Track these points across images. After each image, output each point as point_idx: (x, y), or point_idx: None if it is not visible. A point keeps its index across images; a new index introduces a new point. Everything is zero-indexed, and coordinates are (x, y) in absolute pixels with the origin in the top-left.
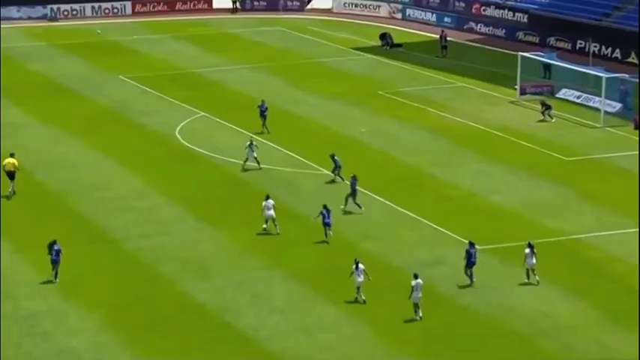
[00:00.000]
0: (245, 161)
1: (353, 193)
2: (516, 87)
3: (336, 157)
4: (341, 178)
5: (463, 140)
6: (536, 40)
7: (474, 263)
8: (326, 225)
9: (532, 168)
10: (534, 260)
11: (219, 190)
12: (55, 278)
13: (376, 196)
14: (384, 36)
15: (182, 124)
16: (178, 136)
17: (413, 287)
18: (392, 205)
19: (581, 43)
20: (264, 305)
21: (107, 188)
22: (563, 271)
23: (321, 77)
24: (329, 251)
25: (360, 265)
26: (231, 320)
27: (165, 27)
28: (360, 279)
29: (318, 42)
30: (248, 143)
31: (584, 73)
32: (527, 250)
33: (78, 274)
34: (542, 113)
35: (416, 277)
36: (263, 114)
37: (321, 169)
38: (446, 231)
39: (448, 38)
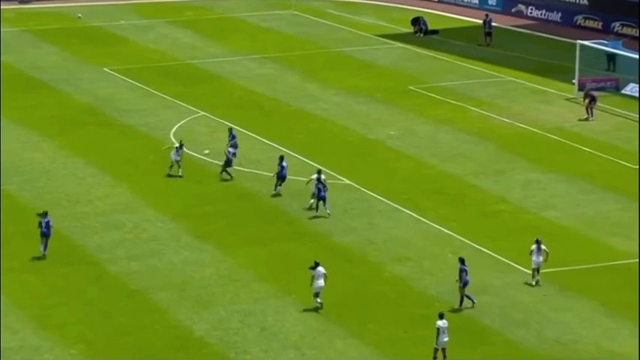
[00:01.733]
0: (170, 167)
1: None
2: (574, 81)
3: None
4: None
5: (511, 145)
6: (599, 25)
7: (468, 282)
8: (320, 199)
9: (593, 177)
10: (541, 259)
11: (222, 204)
12: (44, 251)
13: (408, 211)
14: (416, 21)
15: (178, 125)
16: (173, 139)
17: (439, 330)
18: (426, 221)
19: None
20: (275, 340)
21: (88, 201)
22: (633, 300)
23: (342, 70)
24: (352, 276)
25: (320, 268)
26: (236, 358)
27: (157, 10)
28: (321, 283)
29: (338, 28)
30: (176, 145)
31: None
32: (534, 247)
33: (54, 303)
34: (587, 109)
35: (441, 317)
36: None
37: (342, 178)
38: (491, 252)
39: (493, 24)
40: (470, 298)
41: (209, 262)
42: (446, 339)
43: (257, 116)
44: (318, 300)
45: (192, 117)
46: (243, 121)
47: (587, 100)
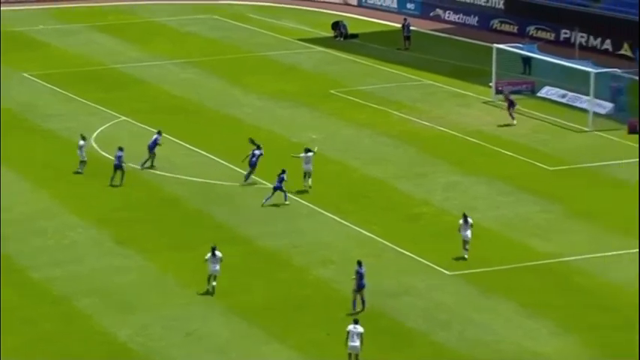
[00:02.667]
0: (81, 164)
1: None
2: (491, 85)
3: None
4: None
5: (432, 148)
6: (514, 29)
7: (363, 285)
8: (276, 189)
9: (512, 180)
10: (469, 232)
11: (145, 209)
12: None
13: (331, 215)
14: (336, 25)
15: (99, 130)
16: (95, 144)
17: (348, 333)
18: (349, 224)
19: (566, 33)
20: (199, 345)
21: (8, 207)
22: (552, 300)
23: (264, 74)
24: (277, 280)
25: (218, 253)
26: None
27: (78, 15)
28: (217, 267)
29: (260, 32)
30: (81, 143)
31: (570, 68)
32: (461, 221)
33: None
34: (509, 111)
35: (356, 322)
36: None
37: (266, 182)
38: (414, 255)
39: (411, 28)
40: (363, 302)
41: (133, 267)
42: (356, 344)
43: (181, 121)
44: (213, 284)
45: (113, 122)
46: (167, 126)
47: (507, 104)
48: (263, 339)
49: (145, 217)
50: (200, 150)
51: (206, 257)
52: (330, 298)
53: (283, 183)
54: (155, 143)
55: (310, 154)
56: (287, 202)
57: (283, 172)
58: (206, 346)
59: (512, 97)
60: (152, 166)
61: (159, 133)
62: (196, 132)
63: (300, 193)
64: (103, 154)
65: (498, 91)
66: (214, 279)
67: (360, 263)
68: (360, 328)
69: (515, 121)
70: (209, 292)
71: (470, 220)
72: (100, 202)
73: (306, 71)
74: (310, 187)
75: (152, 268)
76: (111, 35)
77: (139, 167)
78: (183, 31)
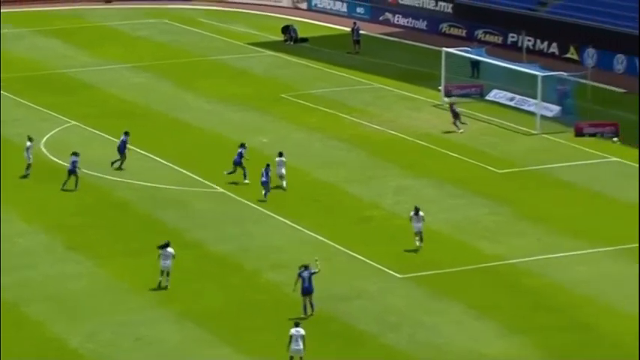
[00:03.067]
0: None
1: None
2: (440, 88)
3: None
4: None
5: (382, 151)
6: (463, 33)
7: (309, 290)
8: (263, 184)
9: (462, 183)
10: (421, 224)
11: (94, 214)
12: None
13: (282, 219)
14: (286, 29)
15: (48, 135)
16: (44, 149)
17: (291, 337)
18: (301, 228)
19: (513, 37)
20: (149, 350)
21: None
22: (500, 302)
23: (215, 78)
24: (228, 285)
25: (170, 249)
26: None
27: (27, 19)
28: (168, 263)
29: (211, 37)
30: (28, 144)
31: (517, 71)
32: (412, 213)
33: None
34: (454, 123)
35: (297, 325)
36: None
37: (216, 186)
38: (365, 259)
39: (361, 32)
40: (312, 307)
41: (84, 273)
42: (299, 347)
43: (131, 125)
44: (167, 278)
45: (63, 127)
46: (117, 131)
47: (452, 115)
48: (214, 343)
49: (97, 222)
50: (150, 154)
51: (159, 252)
52: (281, 302)
53: (269, 177)
54: (124, 144)
55: (283, 158)
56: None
57: (268, 166)
58: (156, 351)
59: (458, 108)
60: (120, 168)
61: (126, 133)
62: (146, 136)
63: (261, 201)
64: (53, 159)
65: (447, 94)
66: (167, 274)
67: (305, 267)
68: (302, 331)
69: (460, 131)
70: (161, 287)
71: (421, 214)
72: (51, 208)
73: (257, 75)
74: (285, 189)
75: (103, 274)
76: (61, 40)
77: (110, 168)
78: (134, 36)
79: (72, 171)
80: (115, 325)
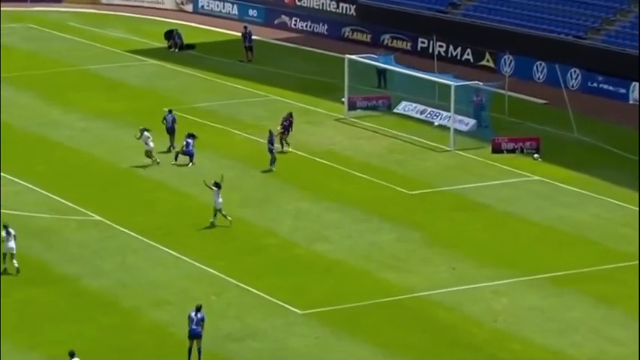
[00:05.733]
0: None
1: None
2: (343, 100)
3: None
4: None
5: (279, 171)
6: (368, 38)
7: (199, 334)
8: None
9: (367, 205)
10: (220, 199)
11: None
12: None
13: (167, 249)
14: (170, 34)
15: None
16: None
17: None
18: (187, 259)
19: (423, 42)
20: None
21: None
22: (412, 340)
23: (88, 91)
24: (104, 325)
25: (11, 230)
26: None
27: None
28: (11, 244)
29: (83, 43)
30: None
31: (429, 80)
32: (214, 188)
33: None
34: (281, 140)
35: (72, 355)
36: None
37: (91, 214)
38: (259, 292)
39: (253, 37)
40: (199, 353)
41: None
42: None
43: None
44: (14, 263)
45: None
46: None
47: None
48: None
49: None
50: (15, 178)
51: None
52: (165, 344)
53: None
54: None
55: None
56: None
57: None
58: None
59: (287, 123)
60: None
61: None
62: (10, 158)
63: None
64: None
65: (352, 107)
66: (12, 257)
67: (198, 308)
68: None
69: (287, 149)
70: (8, 272)
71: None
72: None
73: (137, 87)
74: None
75: None
76: None
77: None
78: None
79: None
80: None
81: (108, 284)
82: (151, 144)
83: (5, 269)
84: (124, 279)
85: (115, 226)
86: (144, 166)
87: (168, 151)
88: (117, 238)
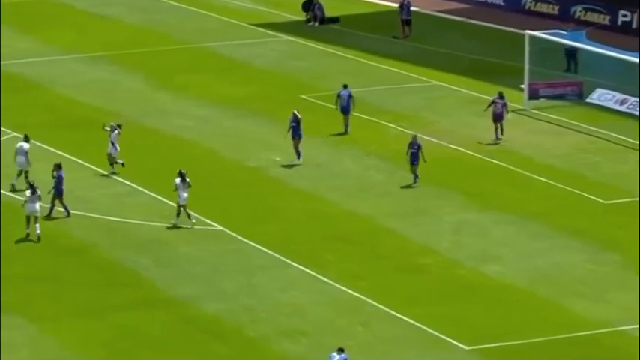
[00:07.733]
0: None
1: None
2: (522, 87)
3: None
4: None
5: (438, 173)
6: (555, 10)
7: None
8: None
9: (550, 218)
10: (186, 194)
11: (41, 261)
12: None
13: (301, 266)
14: (309, 5)
15: None
16: None
17: None
18: (326, 280)
19: (625, 16)
20: None
21: None
22: None
23: (206, 73)
24: (223, 357)
25: (38, 191)
26: None
27: None
28: (36, 207)
29: (203, 15)
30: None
31: (631, 62)
32: (178, 180)
33: None
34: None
35: None
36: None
37: (212, 223)
38: (414, 321)
39: (412, 8)
40: None
41: (23, 342)
42: None
43: (88, 138)
44: (37, 230)
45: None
46: (70, 146)
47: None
48: None
49: (41, 272)
50: (116, 177)
51: (27, 196)
52: None
53: None
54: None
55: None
56: None
57: None
58: None
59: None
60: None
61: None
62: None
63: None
64: None
65: (533, 96)
66: (35, 220)
67: (340, 350)
68: None
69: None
70: (30, 239)
71: (188, 180)
72: None
73: (266, 69)
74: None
75: (49, 342)
76: None
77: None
78: (94, 14)
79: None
80: None
81: (229, 308)
82: (117, 146)
83: (28, 234)
84: (248, 302)
85: (240, 238)
86: (274, 165)
87: (345, 132)
88: (241, 253)
